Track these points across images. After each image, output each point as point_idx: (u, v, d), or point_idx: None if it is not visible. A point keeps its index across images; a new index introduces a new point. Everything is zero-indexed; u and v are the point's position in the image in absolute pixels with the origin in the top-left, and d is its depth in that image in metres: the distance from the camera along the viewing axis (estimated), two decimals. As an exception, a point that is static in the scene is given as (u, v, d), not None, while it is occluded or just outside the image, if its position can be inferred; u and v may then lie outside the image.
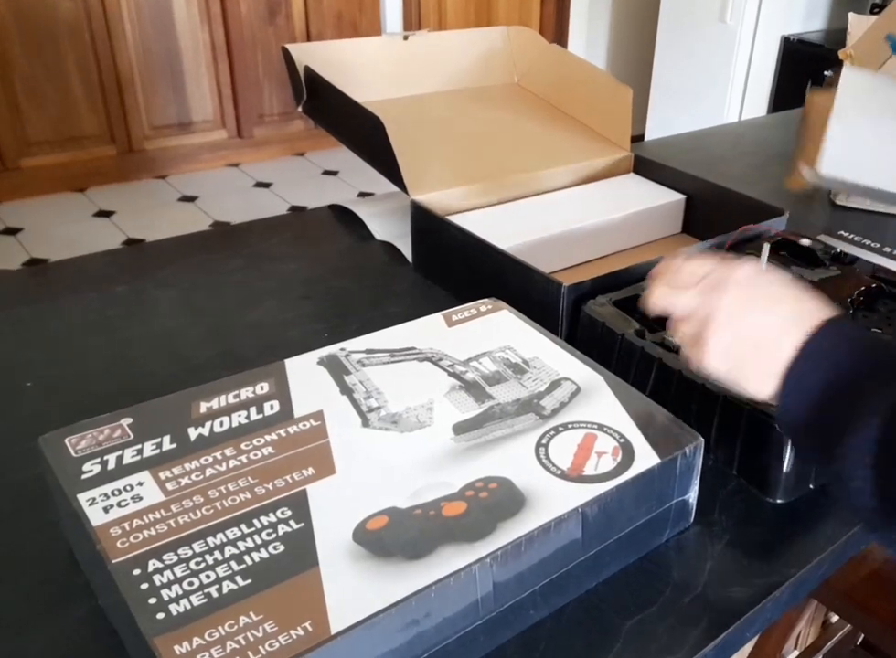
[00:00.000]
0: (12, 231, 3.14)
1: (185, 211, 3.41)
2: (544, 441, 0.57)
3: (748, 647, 1.08)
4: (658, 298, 0.60)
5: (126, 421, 0.58)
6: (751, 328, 0.54)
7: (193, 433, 0.58)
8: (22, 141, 3.28)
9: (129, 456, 0.55)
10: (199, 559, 0.47)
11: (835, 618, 1.31)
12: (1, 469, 0.67)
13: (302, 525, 0.50)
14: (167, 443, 0.56)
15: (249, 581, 0.46)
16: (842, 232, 1.09)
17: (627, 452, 0.56)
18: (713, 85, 3.51)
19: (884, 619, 0.96)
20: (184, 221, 3.29)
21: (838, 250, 0.89)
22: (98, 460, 0.55)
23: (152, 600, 0.45)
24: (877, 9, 3.34)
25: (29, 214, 3.27)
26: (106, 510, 0.51)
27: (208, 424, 0.58)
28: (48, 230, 3.17)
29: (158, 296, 0.95)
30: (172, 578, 0.46)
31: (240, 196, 3.58)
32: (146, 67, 3.46)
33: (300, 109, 1.15)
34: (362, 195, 3.48)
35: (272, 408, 0.61)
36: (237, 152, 3.85)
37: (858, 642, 1.29)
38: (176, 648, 0.42)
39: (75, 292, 0.96)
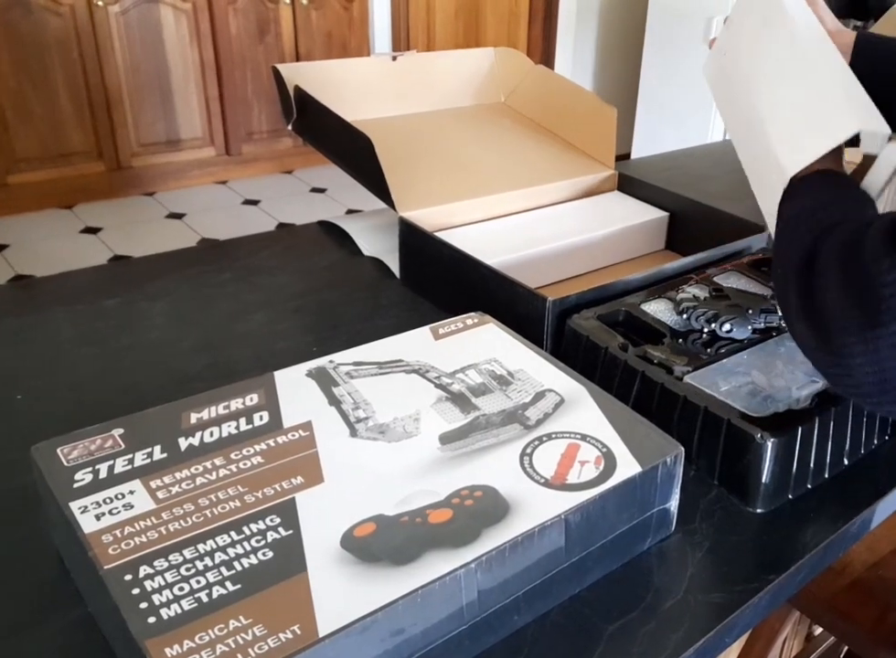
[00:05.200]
0: (-1, 247, 3.14)
1: (172, 228, 3.42)
2: (528, 451, 0.59)
3: (732, 658, 1.10)
4: None
5: (117, 431, 0.59)
6: None
7: (183, 443, 0.58)
8: (9, 157, 3.29)
9: (120, 465, 0.56)
10: (190, 565, 0.48)
11: (818, 630, 1.32)
12: (-9, 479, 0.68)
13: (290, 532, 0.51)
14: (158, 453, 0.57)
15: (238, 586, 0.47)
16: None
17: (609, 461, 0.58)
18: (698, 105, 3.56)
19: (865, 627, 0.97)
20: (172, 238, 3.29)
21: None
22: (90, 469, 0.55)
23: (143, 605, 0.45)
24: (858, 30, 3.40)
25: (16, 230, 3.27)
26: (98, 518, 0.51)
27: (198, 434, 0.59)
28: (35, 247, 3.17)
29: (147, 309, 0.96)
30: (163, 583, 0.47)
31: (229, 213, 3.59)
32: (135, 84, 3.48)
33: (290, 127, 1.16)
34: (350, 212, 3.50)
35: (261, 418, 0.62)
36: (225, 169, 3.87)
37: (842, 655, 1.30)
38: (167, 651, 0.43)
39: (64, 306, 0.96)
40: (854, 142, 0.64)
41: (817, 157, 0.63)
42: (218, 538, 0.50)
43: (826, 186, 0.62)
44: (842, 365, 0.51)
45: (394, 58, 1.24)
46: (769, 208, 0.68)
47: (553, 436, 0.60)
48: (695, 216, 1.10)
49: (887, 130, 0.63)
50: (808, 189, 0.62)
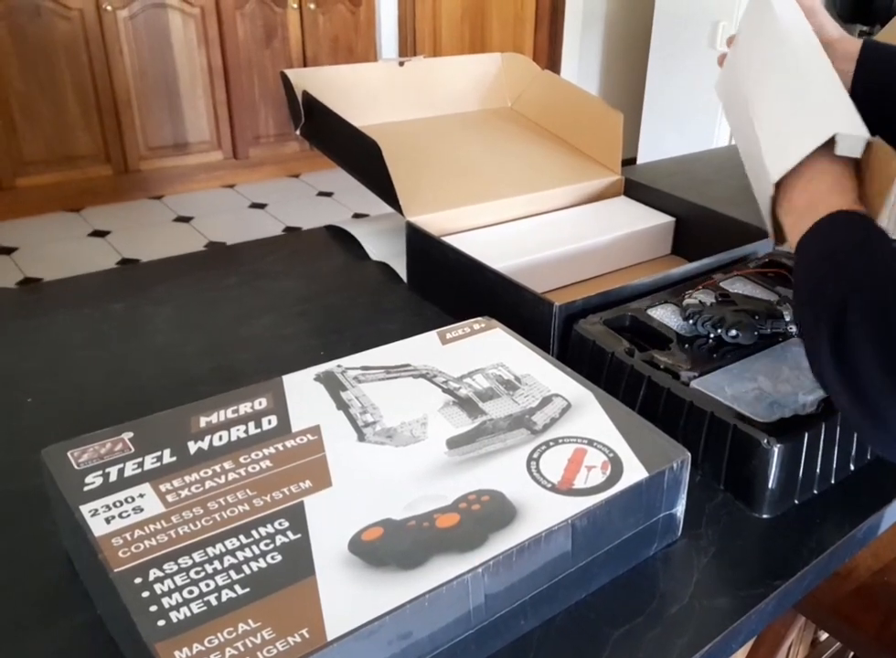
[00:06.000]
0: (6, 250, 3.15)
1: (180, 231, 3.43)
2: (535, 456, 0.59)
3: (737, 664, 1.09)
4: None
5: (127, 435, 0.60)
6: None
7: (193, 447, 0.59)
8: (17, 160, 3.30)
9: (130, 469, 0.56)
10: (199, 568, 0.49)
11: (824, 636, 1.32)
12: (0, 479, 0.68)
13: (299, 535, 0.51)
14: (168, 456, 0.58)
15: (247, 590, 0.47)
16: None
17: (616, 466, 0.58)
18: (703, 110, 3.56)
19: (870, 633, 0.97)
20: (179, 241, 3.30)
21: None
22: (100, 472, 0.56)
23: (153, 608, 0.46)
24: (863, 36, 3.40)
25: (24, 233, 3.28)
26: (108, 521, 0.52)
27: (207, 438, 0.60)
28: (43, 250, 3.18)
29: (154, 313, 0.97)
30: (172, 586, 0.47)
31: (236, 217, 3.60)
32: (143, 88, 3.49)
33: (297, 132, 1.17)
34: (356, 216, 3.51)
35: (269, 422, 0.62)
36: (232, 173, 3.88)
37: (848, 661, 1.30)
38: (177, 654, 0.43)
39: (72, 310, 0.97)
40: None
41: (799, 161, 0.63)
42: (227, 542, 0.51)
43: (852, 229, 0.61)
44: (878, 424, 0.52)
45: (401, 64, 1.25)
46: (768, 220, 0.69)
47: (560, 441, 0.60)
48: (701, 221, 1.10)
49: (865, 133, 0.63)
50: (833, 230, 0.61)
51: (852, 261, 0.57)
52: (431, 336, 0.75)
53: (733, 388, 0.71)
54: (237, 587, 0.48)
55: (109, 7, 3.28)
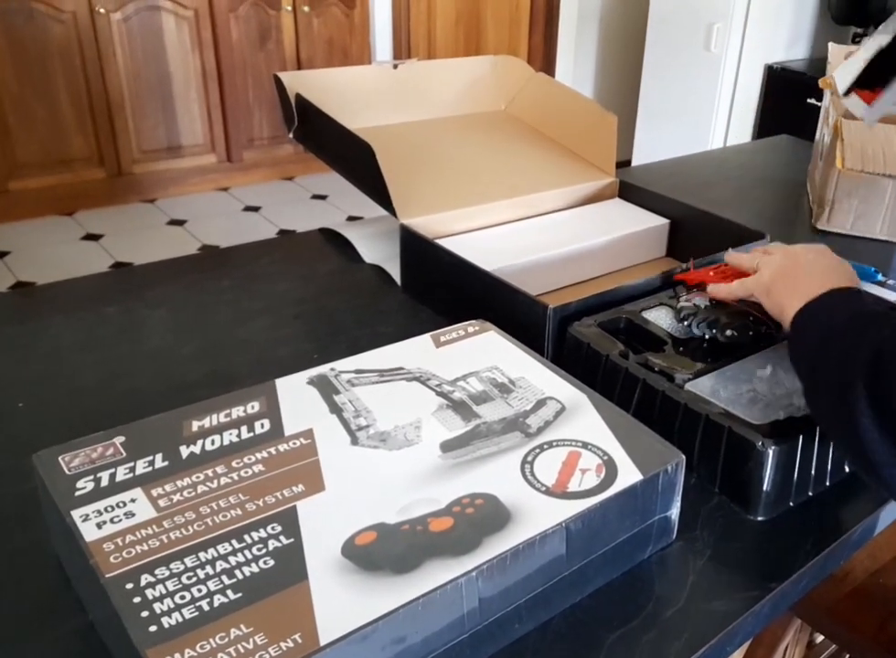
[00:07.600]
0: (-1, 254, 3.14)
1: (173, 235, 3.42)
2: (529, 459, 0.59)
3: (733, 667, 1.09)
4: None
5: (119, 440, 0.59)
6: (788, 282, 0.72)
7: (185, 451, 0.58)
8: (11, 163, 3.29)
9: (122, 473, 0.56)
10: (191, 574, 0.48)
11: (820, 638, 1.32)
12: (-8, 487, 0.68)
13: (291, 540, 0.51)
14: (160, 461, 0.57)
15: (239, 595, 0.47)
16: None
17: (611, 469, 0.58)
18: (699, 112, 3.56)
19: (867, 635, 0.97)
20: (172, 245, 3.29)
21: (817, 273, 0.91)
22: (91, 477, 0.55)
23: (144, 614, 0.45)
24: (858, 39, 3.41)
25: (17, 237, 3.27)
26: (99, 526, 0.51)
27: (199, 442, 0.59)
28: (36, 253, 3.17)
29: (148, 316, 0.96)
30: (164, 591, 0.47)
31: (229, 220, 3.59)
32: (136, 91, 3.48)
33: (291, 135, 1.17)
34: (351, 218, 3.50)
35: (262, 426, 0.62)
36: (226, 176, 3.87)
37: (844, 663, 1.29)
38: (168, 659, 0.43)
39: (65, 313, 0.96)
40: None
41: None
42: (219, 547, 0.50)
43: (851, 301, 0.64)
44: None
45: (395, 67, 1.25)
46: None
47: (554, 444, 0.60)
48: (695, 223, 1.10)
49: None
50: (832, 305, 0.64)
51: (866, 319, 0.60)
52: (424, 339, 0.74)
53: (728, 391, 0.71)
54: (229, 592, 0.47)
55: (102, 10, 3.28)
